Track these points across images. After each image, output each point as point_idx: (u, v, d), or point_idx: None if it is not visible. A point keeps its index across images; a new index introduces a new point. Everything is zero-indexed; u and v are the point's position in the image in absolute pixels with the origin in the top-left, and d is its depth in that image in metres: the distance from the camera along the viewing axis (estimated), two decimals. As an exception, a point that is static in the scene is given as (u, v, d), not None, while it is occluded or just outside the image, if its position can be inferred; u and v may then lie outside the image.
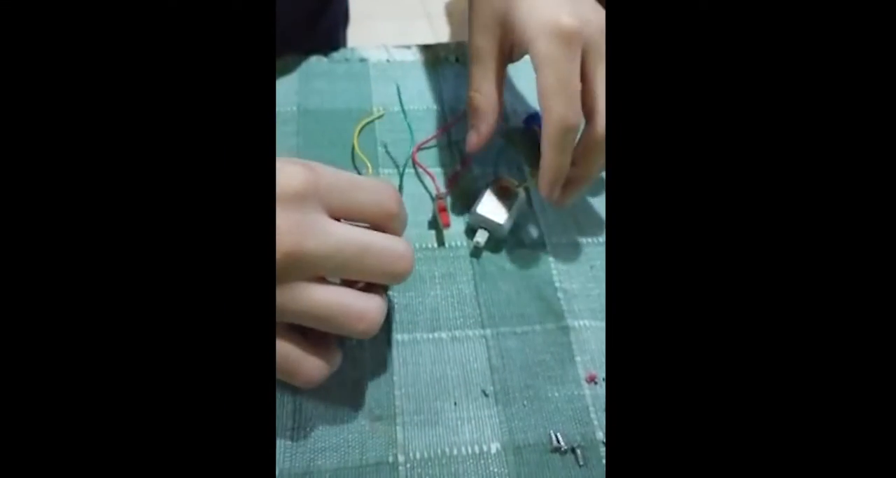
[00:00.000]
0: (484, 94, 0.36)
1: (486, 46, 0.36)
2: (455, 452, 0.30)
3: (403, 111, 0.39)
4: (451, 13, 1.78)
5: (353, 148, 0.42)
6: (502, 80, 0.37)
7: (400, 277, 0.27)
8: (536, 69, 0.32)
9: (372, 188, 0.27)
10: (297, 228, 0.23)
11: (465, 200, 0.41)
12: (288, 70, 0.47)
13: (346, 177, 0.27)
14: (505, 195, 0.38)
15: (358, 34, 0.78)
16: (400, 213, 0.28)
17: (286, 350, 0.25)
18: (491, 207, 0.38)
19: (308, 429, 0.30)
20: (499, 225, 0.38)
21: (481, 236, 0.38)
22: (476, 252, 0.39)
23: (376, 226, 0.28)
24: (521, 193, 0.39)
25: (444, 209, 0.39)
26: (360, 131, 0.43)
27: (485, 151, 0.40)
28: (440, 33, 1.78)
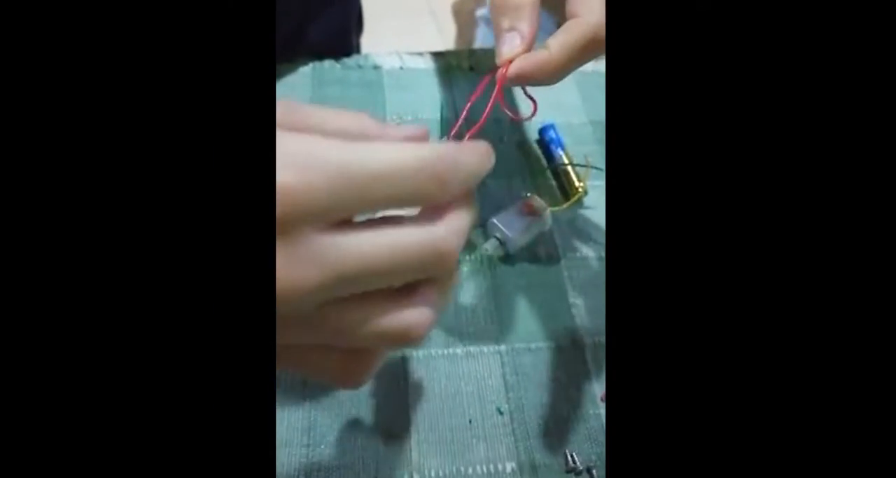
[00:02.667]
0: None
1: None
2: (470, 471, 0.30)
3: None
4: (457, 12, 1.77)
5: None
6: None
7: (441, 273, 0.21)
8: None
9: (401, 177, 0.19)
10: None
11: (479, 213, 0.41)
12: (301, 76, 0.47)
13: (359, 165, 0.19)
14: (528, 213, 0.38)
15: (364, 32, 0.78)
16: (451, 191, 0.20)
17: None
18: (508, 220, 0.38)
19: (322, 446, 0.30)
20: (509, 238, 0.38)
21: (490, 245, 0.38)
22: (485, 260, 0.39)
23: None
24: (546, 216, 0.39)
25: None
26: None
27: (500, 163, 0.39)
28: (446, 31, 1.77)
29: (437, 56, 0.51)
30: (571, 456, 0.31)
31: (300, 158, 0.18)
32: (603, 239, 0.41)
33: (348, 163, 0.18)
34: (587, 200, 0.43)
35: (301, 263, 0.18)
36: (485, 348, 0.35)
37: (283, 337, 0.19)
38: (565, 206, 0.42)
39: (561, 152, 0.44)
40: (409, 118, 0.45)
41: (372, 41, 0.64)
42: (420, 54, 0.51)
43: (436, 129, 0.45)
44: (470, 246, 0.39)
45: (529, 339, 0.36)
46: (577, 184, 0.42)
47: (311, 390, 0.32)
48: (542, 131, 0.45)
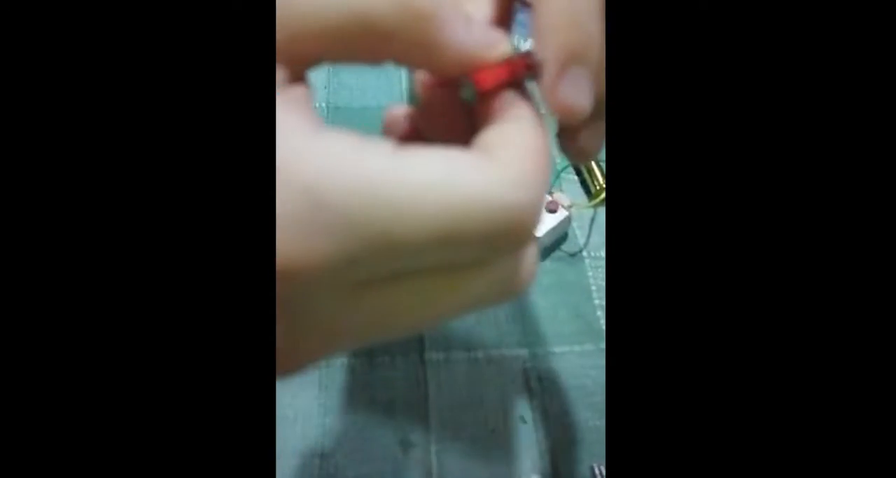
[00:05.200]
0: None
1: None
2: (493, 484, 0.29)
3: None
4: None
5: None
6: None
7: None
8: None
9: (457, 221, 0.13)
10: None
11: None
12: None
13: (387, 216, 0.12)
14: (551, 211, 0.36)
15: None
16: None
17: None
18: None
19: (338, 457, 0.28)
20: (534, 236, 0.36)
21: None
22: None
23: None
24: (568, 213, 0.37)
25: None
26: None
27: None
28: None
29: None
30: (599, 470, 0.29)
31: (301, 206, 0.12)
32: (630, 238, 0.39)
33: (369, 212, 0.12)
34: (613, 197, 0.41)
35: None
36: (507, 352, 0.33)
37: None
38: (590, 203, 0.40)
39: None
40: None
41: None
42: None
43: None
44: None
45: (554, 342, 0.34)
46: (600, 180, 0.40)
47: (325, 395, 0.30)
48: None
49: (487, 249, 0.13)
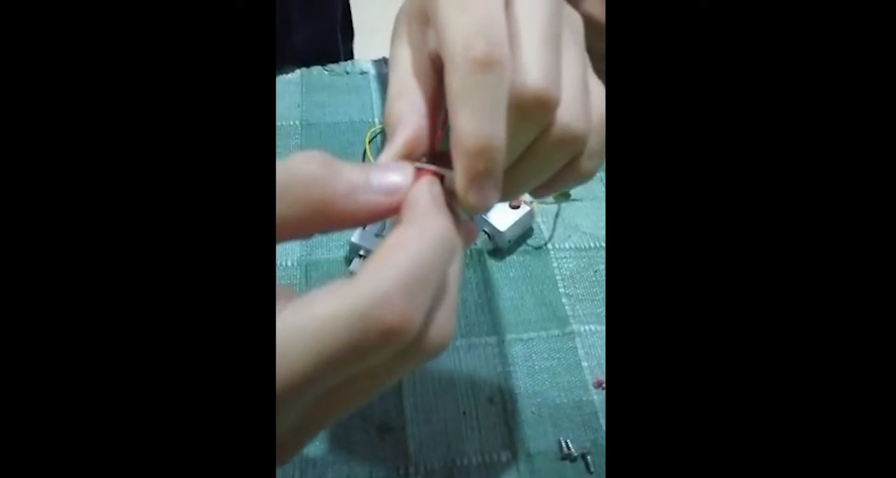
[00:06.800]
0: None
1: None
2: (465, 462, 0.30)
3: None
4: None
5: (364, 157, 0.43)
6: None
7: None
8: None
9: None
10: None
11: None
12: (289, 83, 0.48)
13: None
14: (515, 207, 0.39)
15: (358, 46, 0.78)
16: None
17: None
18: (496, 214, 0.38)
19: (317, 443, 0.30)
20: (498, 231, 0.38)
21: (479, 239, 0.39)
22: (475, 254, 0.39)
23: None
24: (533, 208, 0.39)
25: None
26: (370, 141, 0.44)
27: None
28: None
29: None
30: (566, 443, 0.31)
31: None
32: (589, 230, 0.41)
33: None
34: (574, 193, 0.43)
35: None
36: (476, 341, 0.35)
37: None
38: (552, 198, 0.42)
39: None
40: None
41: (366, 47, 0.65)
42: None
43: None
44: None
45: (521, 330, 0.36)
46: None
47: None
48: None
49: (374, 354, 0.16)
